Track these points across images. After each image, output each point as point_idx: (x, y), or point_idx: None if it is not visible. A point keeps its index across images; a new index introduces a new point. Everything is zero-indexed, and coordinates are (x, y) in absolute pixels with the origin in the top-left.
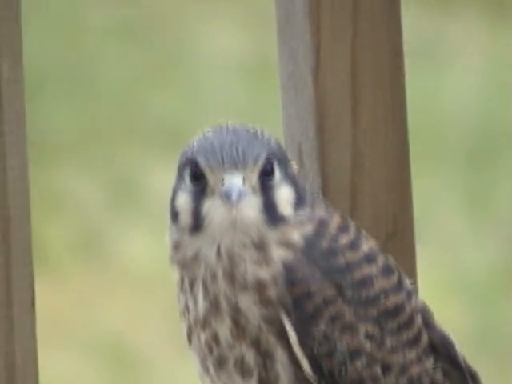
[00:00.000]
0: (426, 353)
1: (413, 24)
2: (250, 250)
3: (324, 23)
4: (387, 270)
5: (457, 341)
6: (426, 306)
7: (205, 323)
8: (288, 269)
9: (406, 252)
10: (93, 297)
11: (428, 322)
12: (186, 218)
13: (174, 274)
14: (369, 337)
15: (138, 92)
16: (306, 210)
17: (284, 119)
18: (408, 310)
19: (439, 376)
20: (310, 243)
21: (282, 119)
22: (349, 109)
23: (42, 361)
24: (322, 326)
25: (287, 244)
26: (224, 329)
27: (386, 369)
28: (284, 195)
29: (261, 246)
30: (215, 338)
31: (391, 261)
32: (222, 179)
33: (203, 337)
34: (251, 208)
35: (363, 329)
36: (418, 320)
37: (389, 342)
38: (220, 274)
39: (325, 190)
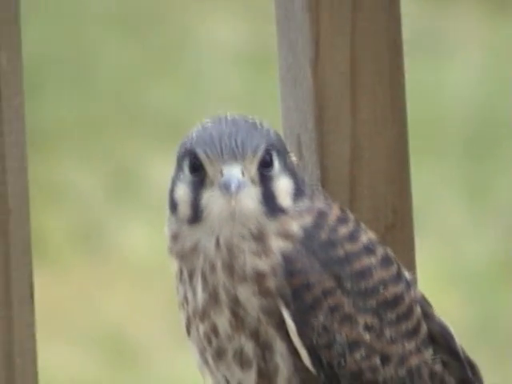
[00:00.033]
0: (425, 344)
1: (412, 17)
2: (249, 242)
3: (323, 15)
4: (386, 261)
5: (456, 332)
6: (425, 297)
7: (204, 315)
8: (287, 260)
9: (405, 244)
10: (92, 288)
11: (427, 313)
12: (184, 209)
13: (173, 266)
14: (368, 328)
15: (138, 84)
16: (305, 201)
17: (283, 111)
18: (407, 300)
19: (438, 367)
20: (309, 234)
21: (281, 111)
22: (348, 101)
23: (42, 352)
24: (321, 318)
25: (286, 235)
26: (223, 320)
27: (385, 360)
28: (283, 186)
29: (260, 237)
30: (214, 330)
31: (390, 252)
32: (221, 170)
33: (202, 328)
34: (250, 199)
35: (362, 320)
36: (417, 311)
37: (388, 333)
38: (219, 265)
39: (324, 182)
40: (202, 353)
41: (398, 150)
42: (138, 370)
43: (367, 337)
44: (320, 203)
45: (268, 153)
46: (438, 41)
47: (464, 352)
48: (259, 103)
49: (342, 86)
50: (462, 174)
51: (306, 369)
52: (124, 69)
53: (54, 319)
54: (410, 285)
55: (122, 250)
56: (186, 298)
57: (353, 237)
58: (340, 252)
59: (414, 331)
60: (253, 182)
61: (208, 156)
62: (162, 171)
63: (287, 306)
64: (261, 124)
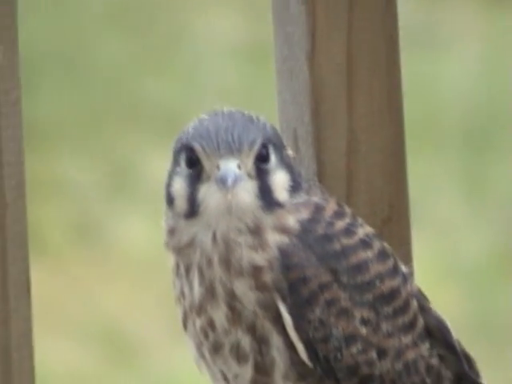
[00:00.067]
0: (421, 337)
1: (409, 9)
2: (246, 236)
3: (319, 8)
4: (383, 255)
5: (453, 326)
6: (422, 291)
7: (200, 309)
8: (284, 254)
9: (402, 237)
10: (90, 283)
11: (424, 307)
12: (181, 203)
13: (170, 260)
14: (364, 322)
15: (135, 78)
16: (302, 195)
17: (279, 104)
18: (404, 294)
19: (435, 360)
20: (306, 228)
21: (277, 104)
22: (344, 94)
23: (39, 346)
24: (318, 312)
25: (283, 229)
26: (220, 314)
27: (381, 354)
28: (279, 180)
29: (256, 232)
30: (211, 324)
31: (387, 246)
32: (218, 164)
33: (199, 323)
34: (247, 193)
35: (359, 314)
36: (414, 304)
37: (384, 326)
38: (216, 259)
39: (320, 176)
40: (199, 347)
41: (395, 143)
42: (136, 364)
43: (364, 331)
44: (316, 197)
45: (264, 147)
46: (434, 33)
47: (460, 346)
48: (256, 97)
49: (339, 80)
50: (460, 167)
51: (303, 363)
52: (121, 63)
53: (51, 314)
54: (407, 278)
55: (119, 245)
56: (182, 292)
57: (349, 231)
58: (336, 246)
59: (411, 325)
60: (249, 176)
61: (205, 150)
62: (159, 166)
63: (284, 300)
64: (257, 118)
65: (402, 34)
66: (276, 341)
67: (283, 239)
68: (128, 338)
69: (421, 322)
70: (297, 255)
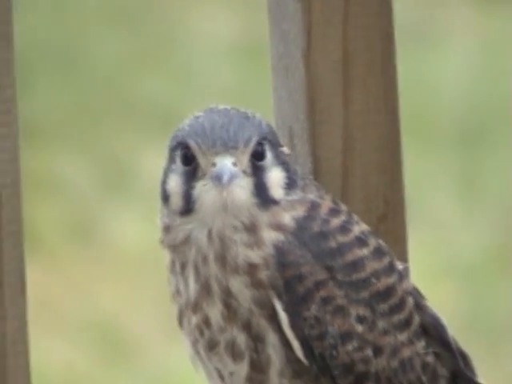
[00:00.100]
0: (417, 335)
1: (405, 6)
2: (241, 233)
3: (315, 5)
4: (378, 253)
5: (449, 323)
6: (417, 288)
7: (196, 306)
8: (279, 251)
9: (397, 234)
10: (85, 281)
11: (419, 304)
12: (177, 200)
13: (165, 257)
14: (360, 319)
15: (130, 76)
16: (298, 192)
17: (275, 101)
18: (399, 292)
19: (430, 358)
20: (302, 226)
21: (272, 101)
22: (340, 91)
23: (34, 345)
24: (313, 309)
25: (278, 226)
26: (215, 312)
27: (377, 351)
28: (275, 178)
29: (252, 229)
30: (206, 321)
31: (383, 243)
32: (213, 162)
33: (194, 320)
34: (242, 190)
35: (354, 311)
36: (410, 302)
37: (380, 324)
38: (211, 256)
39: (316, 173)
40: (194, 344)
41: (390, 140)
42: (132, 362)
43: (359, 328)
44: (312, 194)
45: (260, 144)
46: (429, 31)
47: (456, 343)
48: (252, 94)
49: (334, 77)
50: (455, 165)
51: (298, 360)
52: (116, 61)
53: (46, 312)
54: (403, 276)
55: (115, 243)
56: (178, 289)
57: (345, 228)
58: (332, 243)
59: (407, 323)
60: (245, 173)
61: (200, 147)
62: (155, 163)
63: (279, 297)
64: (253, 115)
65: (397, 31)
66: (272, 338)
67: (279, 237)
68: (124, 336)
69: (416, 320)
70: (292, 253)
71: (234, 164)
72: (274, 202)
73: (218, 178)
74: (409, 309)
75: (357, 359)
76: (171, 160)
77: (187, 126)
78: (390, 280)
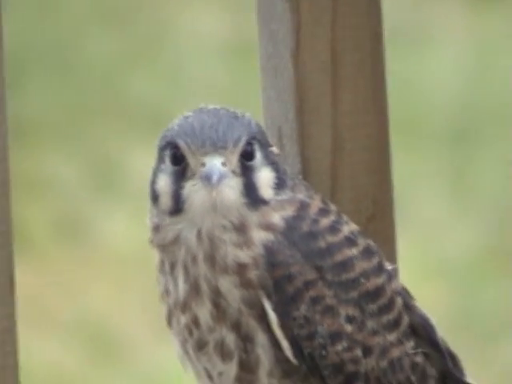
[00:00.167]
0: (406, 335)
1: (393, 6)
2: (231, 233)
3: (303, 5)
4: (368, 253)
5: (438, 323)
6: (406, 288)
7: (185, 306)
8: (269, 251)
9: (386, 235)
10: (75, 281)
11: (408, 305)
12: (166, 200)
13: (155, 257)
14: (349, 319)
15: (120, 75)
16: (287, 192)
17: (264, 101)
18: (388, 292)
19: (419, 358)
20: (291, 226)
21: (261, 101)
22: (329, 91)
23: (23, 345)
24: (303, 309)
25: (268, 226)
26: (204, 312)
27: (366, 351)
28: (264, 178)
29: (241, 229)
30: (195, 321)
31: (372, 244)
32: (203, 161)
33: (183, 320)
34: (232, 190)
35: (344, 311)
36: (399, 302)
37: (369, 324)
38: (200, 256)
39: (305, 173)
40: (183, 344)
41: (379, 140)
42: (121, 362)
43: (349, 328)
44: (301, 194)
45: (249, 144)
46: (420, 30)
47: (445, 343)
48: (241, 94)
49: (323, 77)
50: (445, 164)
51: (288, 360)
52: (108, 61)
53: (36, 313)
54: (392, 276)
55: (104, 243)
56: (167, 289)
57: (334, 228)
58: (321, 243)
59: (396, 323)
60: (234, 173)
61: (189, 147)
62: (144, 163)
63: (269, 297)
64: (242, 115)
65: (389, 31)
66: (261, 338)
67: (268, 236)
68: (113, 336)
69: (405, 320)
70: (282, 252)
71: (224, 164)
72: (264, 202)
73: (207, 178)
74: (398, 309)
75: (346, 359)
76: (160, 160)
77: (176, 125)
78: (379, 280)
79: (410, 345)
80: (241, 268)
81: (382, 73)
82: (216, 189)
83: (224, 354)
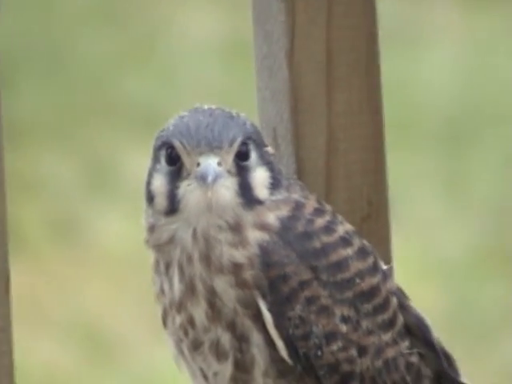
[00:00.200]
0: (401, 335)
1: (388, 7)
2: (226, 233)
3: (299, 5)
4: (363, 253)
5: (433, 323)
6: (401, 288)
7: (180, 306)
8: (264, 251)
9: (381, 235)
10: (70, 281)
11: (403, 305)
12: (161, 200)
13: (150, 257)
14: (344, 319)
15: (114, 75)
16: (282, 192)
17: (259, 102)
18: (383, 292)
19: (414, 358)
20: (286, 226)
21: (256, 101)
22: (324, 91)
23: (18, 345)
24: (298, 309)
25: (263, 226)
26: (199, 312)
27: (361, 351)
28: (260, 178)
29: (237, 229)
30: (191, 321)
31: (367, 244)
32: (198, 161)
33: (178, 320)
34: (227, 190)
35: (339, 311)
36: (394, 302)
37: (364, 324)
38: (196, 256)
39: (299, 173)
40: (178, 344)
41: (374, 141)
42: (116, 362)
43: (344, 328)
44: (297, 194)
45: (245, 144)
46: (414, 31)
47: (440, 343)
48: (236, 94)
49: (318, 77)
50: (439, 165)
51: (283, 360)
52: (102, 61)
53: (30, 312)
54: (387, 276)
55: (99, 243)
56: (162, 289)
57: (329, 228)
58: (316, 243)
59: (391, 323)
60: (229, 173)
61: (185, 147)
62: (139, 163)
63: (264, 297)
64: (238, 115)
65: (384, 31)
66: (256, 338)
67: (263, 236)
68: (108, 335)
69: (400, 320)
70: (277, 252)
71: (219, 164)
72: (259, 202)
73: (202, 178)
74: (393, 309)
75: (341, 359)
76: (156, 160)
77: (172, 125)
78: (374, 280)
79: (404, 345)
80: (236, 268)
81: (377, 73)
82: (211, 189)
83: (219, 353)
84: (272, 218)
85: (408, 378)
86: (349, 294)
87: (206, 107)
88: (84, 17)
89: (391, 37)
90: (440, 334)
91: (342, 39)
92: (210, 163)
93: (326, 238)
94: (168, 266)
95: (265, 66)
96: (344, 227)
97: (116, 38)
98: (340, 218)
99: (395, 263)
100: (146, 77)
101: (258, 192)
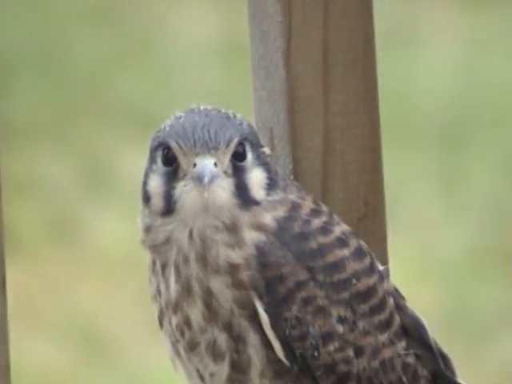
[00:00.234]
0: (397, 336)
1: (385, 7)
2: (223, 233)
3: (295, 6)
4: (359, 253)
5: (429, 323)
6: (398, 289)
7: (176, 307)
8: (260, 252)
9: (377, 235)
10: (66, 281)
11: (400, 305)
12: (158, 201)
13: (147, 258)
14: (341, 320)
15: (110, 75)
16: (279, 193)
17: (255, 102)
18: (380, 292)
19: (411, 359)
20: (283, 226)
21: (253, 102)
22: (320, 91)
23: (14, 345)
24: (294, 310)
25: (259, 227)
26: (196, 312)
27: (358, 352)
28: (256, 178)
29: (233, 229)
30: (187, 322)
31: (363, 244)
32: (194, 162)
33: (175, 320)
34: (223, 191)
35: (335, 312)
36: (390, 303)
37: (361, 325)
38: (192, 257)
39: (296, 174)
40: (175, 345)
41: (371, 141)
42: (112, 362)
43: (340, 329)
44: (293, 195)
45: (241, 144)
46: (412, 32)
47: (436, 344)
48: (233, 94)
49: (315, 77)
50: (436, 165)
51: (279, 361)
52: (98, 61)
53: (26, 313)
54: (383, 277)
55: (95, 243)
56: (158, 290)
57: (326, 229)
58: (313, 244)
59: (387, 323)
60: (226, 173)
61: (181, 148)
62: (135, 164)
63: (260, 297)
64: (234, 116)
65: (380, 31)
66: (252, 339)
67: (260, 237)
68: (104, 336)
69: (397, 320)
70: (273, 253)
71: (215, 164)
72: (255, 203)
73: (198, 179)
74: (389, 309)
75: (338, 360)
76: (152, 160)
77: (168, 126)
78: (371, 280)
79: (401, 345)
80: (232, 268)
81: (373, 73)
82: (208, 189)
83: (216, 354)
84: (268, 218)
85: (404, 379)
86: (345, 294)
87: (202, 108)
88: (80, 17)
89: (389, 36)
90: (439, 333)
91: (338, 39)
92: (207, 164)
93: (322, 239)
94: (164, 267)
95: (261, 66)
96: (340, 228)
97: (111, 38)
98: (336, 218)
99: (394, 263)
100: (143, 77)
101: (254, 193)
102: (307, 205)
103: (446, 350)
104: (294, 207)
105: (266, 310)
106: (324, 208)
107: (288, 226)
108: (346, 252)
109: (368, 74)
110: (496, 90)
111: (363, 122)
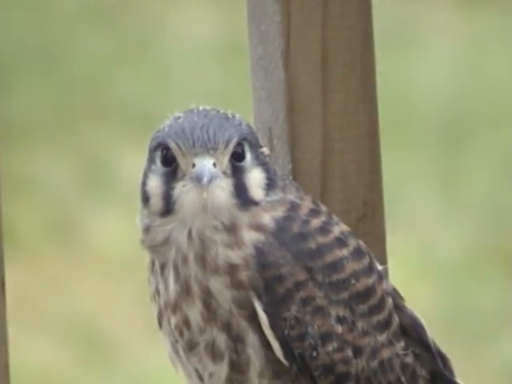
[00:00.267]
0: (396, 336)
1: (385, 7)
2: (222, 233)
3: (294, 6)
4: (358, 254)
5: (428, 323)
6: (396, 289)
7: (175, 307)
8: (259, 252)
9: (376, 236)
10: (65, 281)
11: (398, 305)
12: (156, 201)
13: (146, 258)
14: (340, 320)
15: (110, 75)
16: (278, 193)
17: (254, 102)
18: (379, 293)
19: (410, 359)
20: (281, 226)
21: (252, 102)
22: (319, 91)
23: (13, 345)
24: (293, 310)
25: (258, 227)
26: (195, 312)
27: (357, 352)
28: (255, 178)
29: (232, 229)
30: (186, 322)
31: (362, 244)
32: (193, 162)
33: (174, 320)
34: (222, 191)
35: (334, 312)
36: (389, 303)
37: (360, 325)
38: (191, 257)
39: (295, 174)
40: (174, 345)
41: (370, 141)
42: (112, 362)
43: (339, 329)
44: (292, 195)
45: (240, 145)
46: (411, 32)
47: (435, 344)
48: (232, 94)
49: (314, 77)
50: (435, 164)
51: (278, 361)
52: (97, 61)
53: (26, 312)
54: (382, 277)
55: (94, 243)
56: (157, 290)
57: (325, 229)
58: (312, 244)
59: (386, 323)
60: (225, 173)
61: (180, 148)
62: (134, 164)
63: (259, 298)
64: (233, 116)
65: (379, 31)
66: (251, 339)
67: (259, 237)
68: (104, 336)
69: (396, 321)
70: (272, 253)
71: (214, 165)
72: (254, 203)
73: (197, 179)
74: (388, 309)
75: (337, 360)
76: (151, 161)
77: (167, 126)
78: (370, 281)
79: (400, 345)
80: (231, 268)
81: (372, 73)
82: (206, 190)
83: (215, 354)
84: (267, 218)
85: (403, 379)
86: (344, 294)
87: (201, 108)
88: (79, 17)
89: (389, 36)
90: (438, 334)
91: (337, 39)
92: (206, 164)
93: (321, 239)
94: (163, 267)
95: (260, 66)
96: (339, 228)
97: (111, 38)
98: (335, 218)
99: (393, 263)
100: (142, 77)
101: (253, 193)
102: (306, 205)
103: (445, 350)
104: (293, 207)
105: (265, 310)
106: (323, 208)
107: (287, 226)
108: (344, 252)
109: (367, 74)
110: (495, 90)
111: (362, 121)
